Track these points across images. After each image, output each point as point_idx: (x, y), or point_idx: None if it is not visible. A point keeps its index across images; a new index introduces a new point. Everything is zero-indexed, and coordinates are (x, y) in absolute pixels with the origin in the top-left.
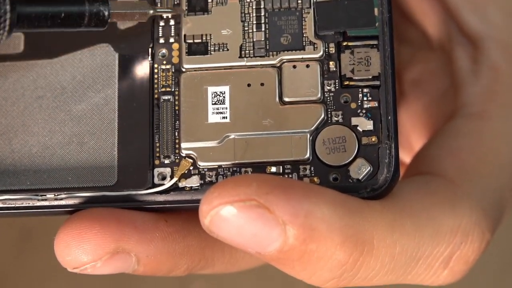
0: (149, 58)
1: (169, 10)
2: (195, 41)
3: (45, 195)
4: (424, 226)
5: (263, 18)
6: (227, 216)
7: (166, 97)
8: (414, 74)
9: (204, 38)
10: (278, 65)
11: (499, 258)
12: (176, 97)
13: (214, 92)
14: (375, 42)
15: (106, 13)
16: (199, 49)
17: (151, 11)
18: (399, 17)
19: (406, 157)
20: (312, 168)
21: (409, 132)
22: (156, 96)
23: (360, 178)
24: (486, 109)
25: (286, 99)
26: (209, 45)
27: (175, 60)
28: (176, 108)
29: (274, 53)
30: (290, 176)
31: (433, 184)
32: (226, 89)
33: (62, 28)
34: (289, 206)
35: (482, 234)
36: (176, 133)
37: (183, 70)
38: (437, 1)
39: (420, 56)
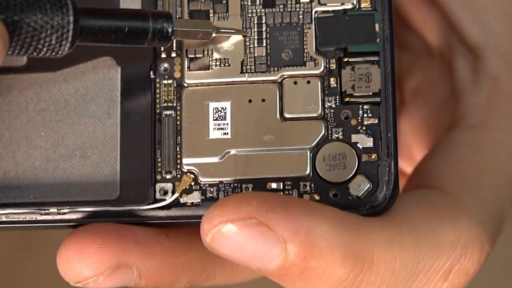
0: (151, 73)
1: (233, 31)
2: (197, 55)
3: (48, 210)
4: (424, 240)
5: (264, 33)
6: (228, 234)
7: (168, 112)
8: (414, 82)
9: (205, 53)
10: (279, 81)
11: (498, 268)
12: (178, 112)
13: (215, 108)
14: (375, 58)
15: (170, 30)
16: (200, 64)
17: (215, 31)
18: (399, 24)
19: (407, 167)
20: (312, 185)
21: (409, 141)
22: (158, 111)
23: (359, 195)
24: (486, 120)
25: (287, 115)
26: (210, 60)
27: (177, 74)
28: (178, 123)
29: (275, 68)
30: (290, 192)
31: (432, 197)
32: (227, 105)
33: (124, 43)
34: (289, 224)
35: (481, 246)
36: (178, 148)
37: (185, 85)
38: (437, 9)
39: (420, 64)
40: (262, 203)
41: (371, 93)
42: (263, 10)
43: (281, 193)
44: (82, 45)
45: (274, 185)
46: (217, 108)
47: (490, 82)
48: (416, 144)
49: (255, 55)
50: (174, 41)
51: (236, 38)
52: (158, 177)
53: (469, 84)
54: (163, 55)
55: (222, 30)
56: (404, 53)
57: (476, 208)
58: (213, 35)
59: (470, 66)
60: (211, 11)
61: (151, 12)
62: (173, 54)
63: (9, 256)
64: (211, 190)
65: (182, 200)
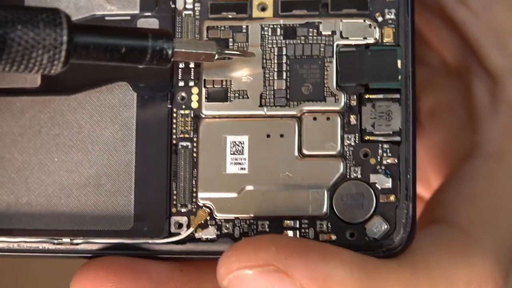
0: (168, 102)
1: (238, 53)
2: (215, 86)
3: (61, 239)
4: (439, 281)
5: (284, 65)
6: (245, 280)
7: (184, 144)
8: (431, 102)
9: (224, 84)
10: (299, 115)
11: None
12: (195, 144)
13: (233, 142)
14: (397, 95)
15: (170, 52)
16: (218, 95)
17: (218, 53)
18: (417, 39)
19: (422, 191)
20: (329, 224)
21: (426, 166)
22: (174, 141)
23: (376, 236)
24: (504, 149)
25: (306, 152)
26: (229, 91)
27: (194, 105)
28: (194, 155)
29: (295, 103)
30: (307, 231)
31: (448, 235)
32: (245, 139)
33: (121, 63)
34: (308, 270)
35: (495, 283)
36: (194, 181)
37: (202, 116)
38: (455, 30)
39: (437, 82)
40: (280, 249)
41: (391, 132)
42: (283, 41)
43: (297, 231)
44: (93, 64)
45: (290, 223)
46: (235, 142)
47: (508, 108)
48: (432, 168)
49: (275, 88)
50: (192, 69)
51: (256, 69)
52: (173, 210)
53: (487, 110)
54: (181, 84)
55: (226, 52)
56: (419, 68)
57: (491, 245)
58: (216, 57)
59: (488, 90)
60: (230, 39)
61: (151, 31)
62: (191, 83)
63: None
64: (227, 226)
65: (197, 235)
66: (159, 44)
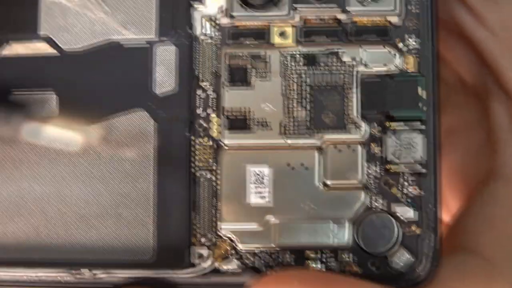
0: (187, 130)
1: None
2: (234, 114)
3: (80, 271)
4: None
5: (305, 93)
6: None
7: (204, 173)
8: (449, 121)
9: (244, 113)
10: (320, 145)
11: None
12: (215, 174)
13: (254, 172)
14: (420, 125)
15: None
16: (238, 124)
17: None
18: None
19: (440, 213)
20: (351, 255)
21: (444, 187)
22: (193, 171)
23: (400, 268)
24: None
25: (328, 183)
26: (249, 120)
27: (214, 134)
28: (215, 185)
29: (316, 132)
30: (330, 263)
31: (470, 264)
32: (266, 169)
33: None
34: None
35: None
36: (214, 211)
37: (223, 145)
38: (473, 49)
39: (454, 100)
40: (303, 283)
41: (414, 162)
42: (304, 68)
43: (321, 263)
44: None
45: (313, 255)
46: (256, 172)
47: None
48: (450, 190)
49: (296, 117)
50: (211, 97)
51: (276, 97)
52: (193, 240)
53: (506, 131)
54: (199, 111)
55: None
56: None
57: None
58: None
59: (507, 112)
60: (249, 67)
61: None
62: (210, 111)
63: None
64: (249, 257)
65: (219, 267)
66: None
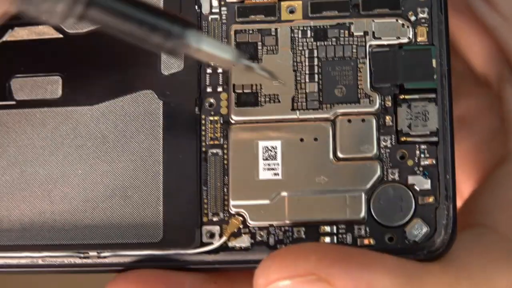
0: (196, 108)
1: (266, 75)
2: (245, 91)
3: (88, 253)
4: (481, 286)
5: (316, 67)
6: None
7: (214, 151)
8: (459, 109)
9: (254, 89)
10: (332, 118)
11: None
12: (225, 151)
13: (265, 147)
14: (433, 95)
15: (184, 40)
16: (248, 100)
17: (234, 61)
18: None
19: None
20: (367, 228)
21: (457, 173)
22: (203, 149)
23: (417, 239)
24: None
25: (341, 156)
26: (259, 96)
27: (223, 111)
28: (225, 162)
29: (328, 105)
30: (345, 236)
31: (487, 239)
32: (277, 143)
33: (133, 36)
34: (350, 278)
35: None
36: (225, 189)
37: (232, 122)
38: (486, 35)
39: (464, 89)
40: (321, 257)
41: (428, 132)
42: (314, 43)
43: (335, 237)
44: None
45: (327, 229)
46: (267, 147)
47: None
48: (463, 176)
49: (307, 91)
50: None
51: (287, 72)
52: (205, 219)
53: None
54: (209, 89)
55: (247, 64)
56: None
57: None
58: (231, 65)
59: None
60: (259, 43)
61: (172, 16)
62: (219, 89)
63: None
64: (261, 234)
65: (230, 244)
66: (174, 28)
